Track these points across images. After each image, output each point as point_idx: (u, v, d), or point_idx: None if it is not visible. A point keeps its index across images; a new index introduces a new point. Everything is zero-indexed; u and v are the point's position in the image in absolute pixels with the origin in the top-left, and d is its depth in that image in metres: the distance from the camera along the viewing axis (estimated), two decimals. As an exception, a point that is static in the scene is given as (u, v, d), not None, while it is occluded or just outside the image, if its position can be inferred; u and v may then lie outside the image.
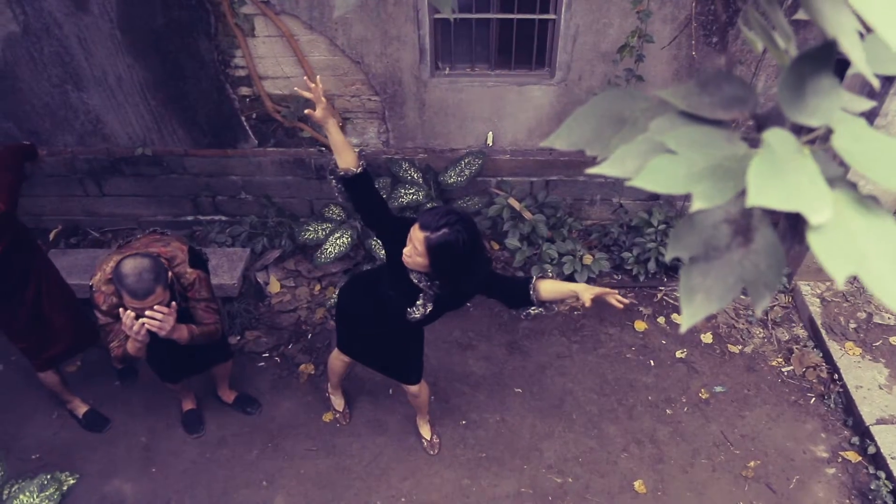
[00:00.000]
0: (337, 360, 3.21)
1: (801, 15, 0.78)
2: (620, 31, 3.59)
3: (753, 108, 0.67)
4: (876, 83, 0.60)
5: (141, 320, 2.41)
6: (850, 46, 0.53)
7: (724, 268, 0.63)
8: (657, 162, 0.62)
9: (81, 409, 3.52)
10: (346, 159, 2.28)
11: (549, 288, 2.34)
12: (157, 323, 2.43)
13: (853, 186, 0.59)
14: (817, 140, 0.63)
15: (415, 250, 2.17)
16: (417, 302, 2.44)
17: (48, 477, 3.15)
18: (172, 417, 3.56)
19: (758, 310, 0.61)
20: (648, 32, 3.43)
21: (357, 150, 2.33)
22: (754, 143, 0.64)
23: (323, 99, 2.23)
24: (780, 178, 0.55)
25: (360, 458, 3.39)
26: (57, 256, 4.00)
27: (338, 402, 3.56)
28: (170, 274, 2.55)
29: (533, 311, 2.37)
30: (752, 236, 0.63)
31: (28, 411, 3.61)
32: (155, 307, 2.43)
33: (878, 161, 0.55)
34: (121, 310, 2.43)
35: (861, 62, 0.52)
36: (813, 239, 0.54)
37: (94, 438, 3.48)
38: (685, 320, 0.63)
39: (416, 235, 2.14)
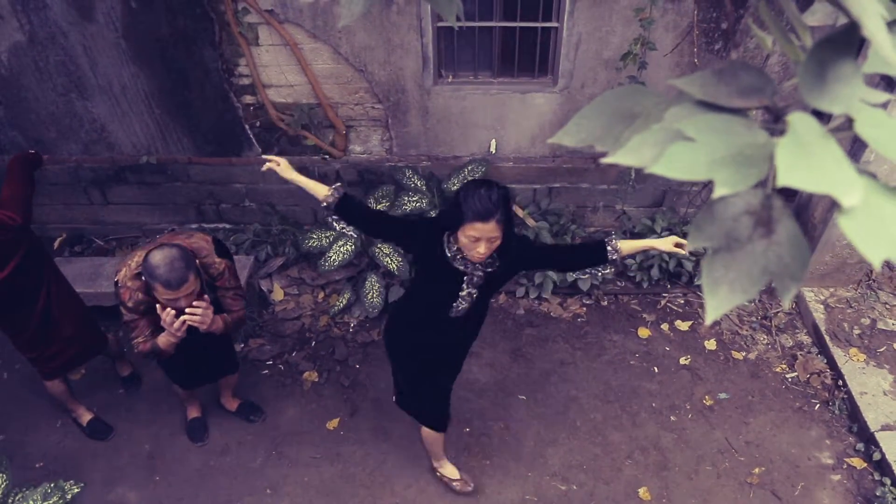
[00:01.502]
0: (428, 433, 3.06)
1: (807, 19, 0.79)
2: (623, 39, 3.62)
3: (771, 96, 0.68)
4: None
5: (182, 317, 2.44)
6: (875, 30, 0.53)
7: (747, 259, 0.63)
8: (677, 148, 0.62)
9: (86, 418, 3.51)
10: (322, 192, 2.46)
11: (626, 247, 2.45)
12: (198, 318, 2.46)
13: (874, 177, 0.59)
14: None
15: (489, 243, 2.17)
16: (461, 293, 2.42)
17: (52, 485, 3.12)
18: (176, 425, 3.55)
19: (785, 302, 0.61)
20: (651, 40, 3.45)
21: (332, 187, 2.49)
22: (772, 132, 0.64)
23: (282, 160, 2.57)
24: (808, 160, 0.55)
25: (364, 465, 3.37)
26: (61, 265, 3.95)
27: (451, 471, 3.27)
28: (196, 262, 2.57)
29: (605, 270, 2.50)
30: (773, 228, 0.62)
31: (32, 420, 3.60)
32: (194, 303, 2.45)
33: None
34: (158, 307, 2.44)
35: (887, 46, 0.52)
36: (845, 223, 0.54)
37: (98, 446, 3.47)
38: (710, 312, 0.62)
39: (488, 228, 2.12)
